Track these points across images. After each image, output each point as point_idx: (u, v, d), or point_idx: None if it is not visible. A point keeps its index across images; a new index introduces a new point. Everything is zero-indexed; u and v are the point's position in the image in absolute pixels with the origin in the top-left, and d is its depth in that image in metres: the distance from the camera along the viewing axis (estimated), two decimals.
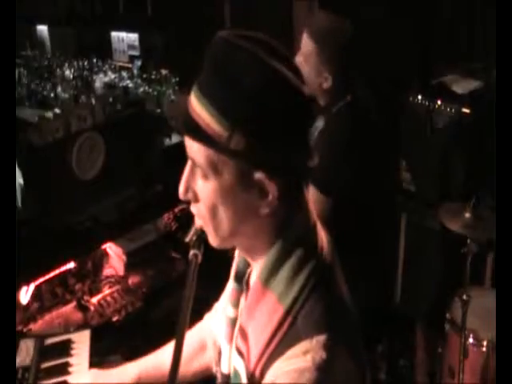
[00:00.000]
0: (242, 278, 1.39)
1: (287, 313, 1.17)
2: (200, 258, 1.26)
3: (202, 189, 1.19)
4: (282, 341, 1.17)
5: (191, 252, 1.27)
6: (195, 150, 1.16)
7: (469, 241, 2.53)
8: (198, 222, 1.27)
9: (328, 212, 2.50)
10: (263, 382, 1.19)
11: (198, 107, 1.13)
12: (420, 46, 3.52)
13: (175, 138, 3.13)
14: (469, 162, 3.13)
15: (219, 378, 1.48)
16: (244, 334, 1.26)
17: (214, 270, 1.64)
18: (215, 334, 1.64)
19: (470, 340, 2.63)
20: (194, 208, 1.25)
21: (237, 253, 1.45)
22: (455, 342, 2.68)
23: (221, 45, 1.13)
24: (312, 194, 2.53)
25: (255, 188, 1.16)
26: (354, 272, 1.56)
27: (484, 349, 2.62)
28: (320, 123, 2.67)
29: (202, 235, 1.29)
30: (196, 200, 1.22)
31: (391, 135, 3.17)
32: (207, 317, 1.77)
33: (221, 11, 4.31)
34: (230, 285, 1.44)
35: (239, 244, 1.31)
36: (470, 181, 3.12)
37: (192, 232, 1.30)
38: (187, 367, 1.72)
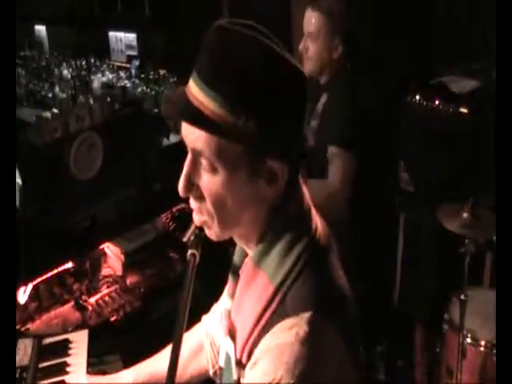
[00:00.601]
0: (238, 271, 1.37)
1: (277, 290, 1.17)
2: (198, 257, 1.26)
3: (208, 183, 1.16)
4: (270, 318, 1.17)
5: (189, 252, 1.27)
6: (202, 141, 1.12)
7: (467, 241, 2.53)
8: (198, 217, 1.25)
9: (353, 175, 2.63)
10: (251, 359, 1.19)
11: (201, 96, 1.11)
12: (418, 45, 3.51)
13: (173, 138, 3.13)
14: (467, 162, 3.13)
15: (218, 375, 1.47)
16: (236, 315, 1.27)
17: (212, 270, 1.64)
18: (213, 334, 1.64)
19: (468, 340, 2.63)
20: (194, 204, 1.22)
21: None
22: (453, 341, 2.68)
23: (219, 32, 1.12)
24: (337, 160, 2.60)
25: (265, 174, 1.15)
26: (353, 272, 1.57)
27: (482, 349, 2.62)
28: (323, 99, 2.74)
29: (200, 235, 1.28)
30: (200, 197, 1.19)
31: (389, 135, 3.17)
32: (204, 318, 1.76)
33: (219, 11, 4.30)
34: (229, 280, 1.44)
35: (237, 233, 1.29)
36: (468, 181, 3.12)
37: (190, 232, 1.30)
38: (184, 370, 1.71)
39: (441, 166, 3.21)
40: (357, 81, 2.78)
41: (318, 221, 1.28)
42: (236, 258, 1.40)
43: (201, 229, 1.28)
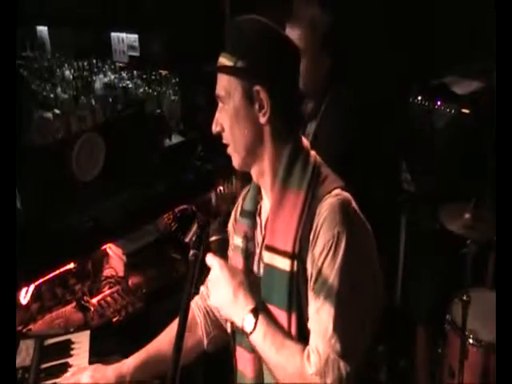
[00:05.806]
0: (251, 214, 1.64)
1: (307, 192, 1.49)
2: (200, 258, 1.27)
3: (223, 118, 1.54)
4: (308, 210, 1.47)
5: (191, 252, 1.28)
6: (220, 86, 1.53)
7: (469, 241, 2.53)
8: (228, 147, 1.58)
9: None
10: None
11: (222, 57, 1.53)
12: (420, 46, 3.51)
13: (175, 139, 3.13)
14: (469, 163, 3.13)
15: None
16: (273, 228, 1.52)
17: None
18: (207, 306, 1.84)
19: (470, 341, 2.63)
20: (224, 139, 1.58)
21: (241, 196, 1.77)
22: (455, 342, 2.68)
23: (235, 20, 1.58)
24: None
25: (255, 103, 1.49)
26: None
27: (484, 349, 2.61)
28: (313, 126, 2.59)
29: (201, 235, 1.30)
30: (222, 130, 1.56)
31: (391, 136, 3.17)
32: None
33: (221, 11, 4.30)
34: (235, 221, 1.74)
35: (254, 167, 1.58)
36: (469, 181, 3.12)
37: (192, 232, 1.32)
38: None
39: (442, 166, 3.21)
40: (346, 95, 2.56)
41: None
42: (247, 203, 1.68)
43: (202, 229, 1.29)
